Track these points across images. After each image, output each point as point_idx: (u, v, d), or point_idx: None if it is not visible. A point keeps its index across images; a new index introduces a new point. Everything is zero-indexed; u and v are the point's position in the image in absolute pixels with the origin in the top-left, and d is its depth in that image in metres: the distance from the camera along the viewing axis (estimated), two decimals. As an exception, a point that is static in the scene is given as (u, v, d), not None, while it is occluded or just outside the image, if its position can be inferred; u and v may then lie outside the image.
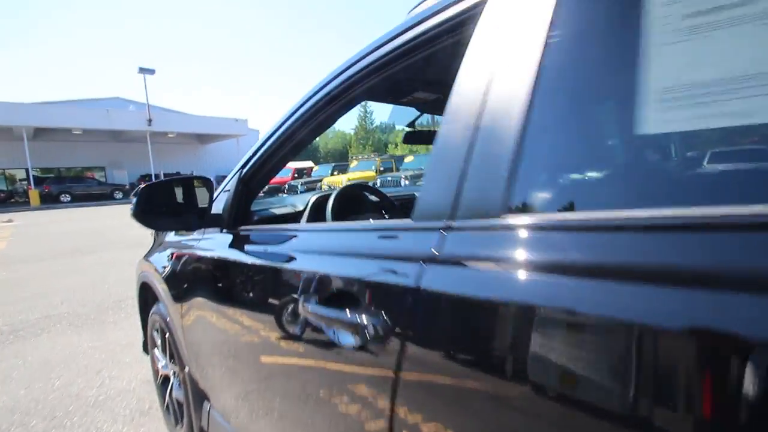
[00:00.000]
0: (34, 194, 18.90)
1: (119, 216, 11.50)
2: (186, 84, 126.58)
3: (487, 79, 0.54)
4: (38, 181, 20.67)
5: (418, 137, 1.68)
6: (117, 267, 4.86)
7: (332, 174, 13.68)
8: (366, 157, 15.31)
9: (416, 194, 0.85)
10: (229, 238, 1.08)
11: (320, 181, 12.32)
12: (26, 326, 2.97)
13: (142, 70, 21.40)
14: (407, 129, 1.57)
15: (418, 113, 1.48)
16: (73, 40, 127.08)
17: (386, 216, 1.71)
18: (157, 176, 22.98)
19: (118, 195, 21.52)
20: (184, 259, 1.26)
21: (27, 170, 20.08)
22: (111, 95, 27.90)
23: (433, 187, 0.58)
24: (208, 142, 28.35)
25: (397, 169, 12.50)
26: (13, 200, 21.02)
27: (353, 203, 1.65)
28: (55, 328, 2.91)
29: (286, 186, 12.75)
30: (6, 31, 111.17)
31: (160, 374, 1.66)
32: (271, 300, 0.87)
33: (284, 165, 1.15)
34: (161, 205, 1.08)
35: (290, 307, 0.79)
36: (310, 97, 0.92)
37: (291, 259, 0.83)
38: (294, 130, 0.98)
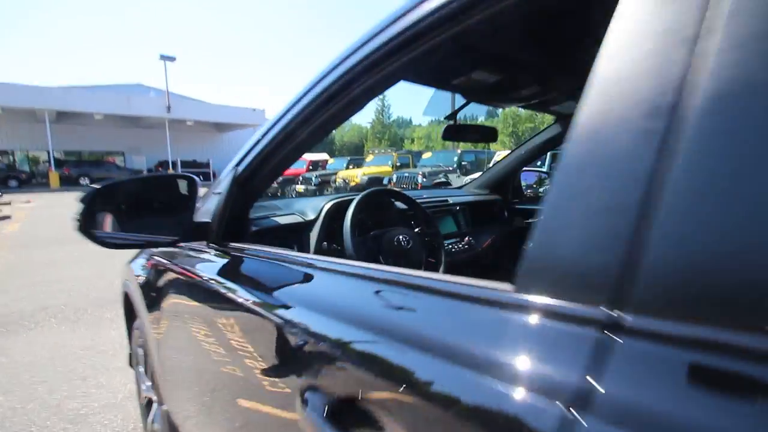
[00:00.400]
0: (54, 176, 19.23)
1: (134, 202, 11.48)
2: (206, 74, 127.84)
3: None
4: (59, 164, 21.04)
5: (462, 132, 1.40)
6: (124, 257, 4.72)
7: (347, 168, 13.45)
8: (382, 151, 15.02)
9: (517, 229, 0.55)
10: (216, 258, 0.83)
11: (335, 174, 12.10)
12: (20, 318, 2.81)
13: (163, 57, 21.51)
14: (447, 122, 1.29)
15: (464, 102, 1.20)
16: (96, 25, 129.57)
17: (417, 230, 1.45)
18: (173, 163, 23.18)
19: (136, 180, 21.67)
20: (161, 272, 1.02)
21: (48, 152, 20.42)
22: (132, 81, 28.19)
23: (565, 227, 0.31)
24: (226, 131, 28.43)
25: (415, 166, 12.19)
26: (34, 181, 21.45)
27: (378, 211, 1.39)
28: (49, 322, 2.74)
29: (300, 178, 12.57)
30: (28, 14, 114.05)
31: (143, 395, 1.45)
32: (262, 362, 0.62)
33: (292, 162, 0.89)
34: (129, 212, 0.83)
35: (288, 379, 0.53)
36: (333, 69, 0.65)
37: (297, 309, 0.57)
38: (307, 116, 0.71)
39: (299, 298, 0.59)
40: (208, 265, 0.84)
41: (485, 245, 1.97)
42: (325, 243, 1.26)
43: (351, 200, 1.29)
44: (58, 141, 20.70)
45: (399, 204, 1.53)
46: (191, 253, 0.93)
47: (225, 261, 0.81)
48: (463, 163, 10.96)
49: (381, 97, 40.37)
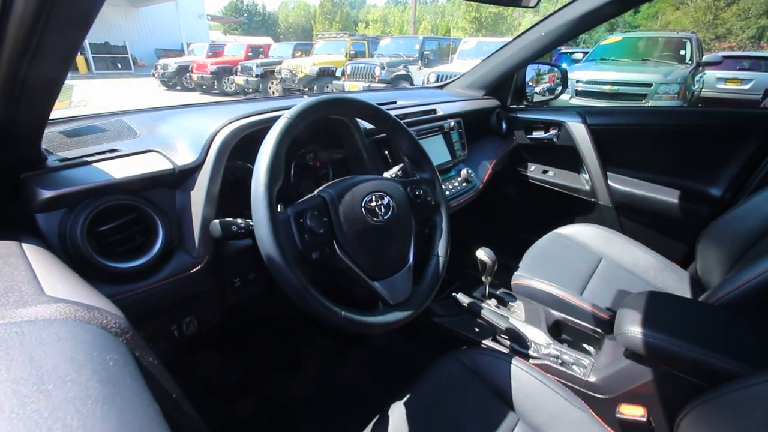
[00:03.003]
0: None
1: None
2: None
3: None
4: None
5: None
6: None
7: (294, 55, 11.62)
8: (333, 36, 13.04)
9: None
10: None
11: (279, 64, 10.42)
12: None
13: None
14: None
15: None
16: None
17: (393, 174, 0.88)
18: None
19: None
20: None
21: None
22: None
23: None
24: (143, 5, 23.40)
25: (371, 55, 10.73)
26: None
27: (324, 142, 0.78)
28: None
29: (239, 67, 10.76)
30: None
31: None
32: None
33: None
34: None
35: None
36: None
37: None
38: None
39: None
40: None
41: (487, 177, 1.42)
42: (218, 223, 0.64)
43: (268, 122, 0.68)
44: None
45: (359, 126, 0.92)
46: None
47: None
48: (425, 52, 9.74)
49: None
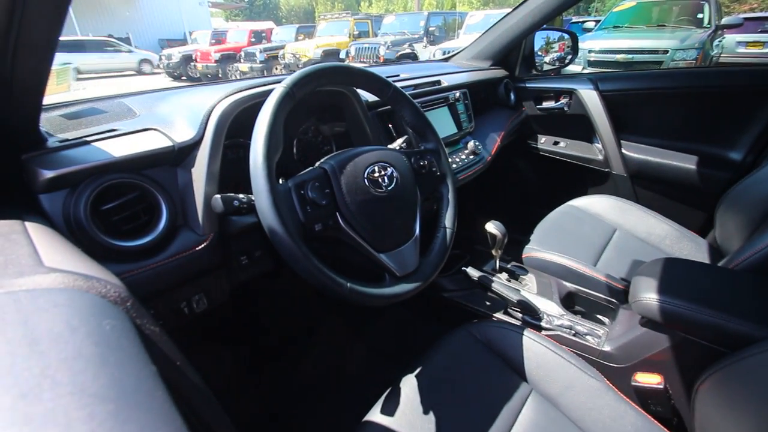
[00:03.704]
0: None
1: None
2: None
3: None
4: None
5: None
6: None
7: (297, 39, 11.45)
8: (336, 16, 12.78)
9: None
10: None
11: (282, 48, 10.28)
12: None
13: None
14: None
15: None
16: None
17: (398, 147, 0.86)
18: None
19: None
20: None
21: None
22: None
23: None
24: (142, -6, 23.17)
25: (375, 34, 10.52)
26: None
27: (323, 116, 0.75)
28: None
29: (242, 54, 10.66)
30: None
31: None
32: None
33: None
34: None
35: None
36: None
37: None
38: None
39: None
40: None
41: (495, 150, 1.38)
42: (219, 198, 0.64)
43: (265, 95, 0.66)
44: None
45: (360, 98, 0.89)
46: None
47: None
48: (430, 28, 9.49)
49: (330, -56, 33.82)
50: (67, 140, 0.66)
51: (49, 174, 0.58)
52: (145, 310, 0.37)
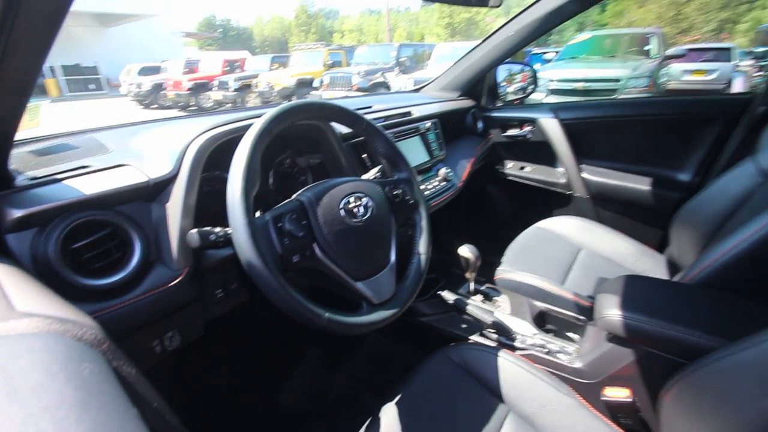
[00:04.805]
0: None
1: None
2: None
3: None
4: None
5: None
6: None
7: (272, 68, 11.60)
8: (310, 47, 13.09)
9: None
10: None
11: (256, 77, 10.39)
12: None
13: None
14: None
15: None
16: None
17: (372, 177, 0.89)
18: (52, 69, 18.66)
19: None
20: None
21: None
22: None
23: None
24: (113, 24, 23.05)
25: (348, 64, 10.80)
26: None
27: (300, 147, 0.78)
28: None
29: (216, 82, 10.68)
30: None
31: None
32: None
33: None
34: None
35: None
36: None
37: None
38: None
39: None
40: None
41: (465, 176, 1.44)
42: (195, 233, 0.64)
43: (242, 130, 0.68)
44: None
45: (335, 131, 0.92)
46: None
47: None
48: (401, 59, 9.85)
49: (302, -21, 34.97)
50: (37, 178, 0.65)
51: (17, 213, 0.57)
52: (117, 348, 0.37)
